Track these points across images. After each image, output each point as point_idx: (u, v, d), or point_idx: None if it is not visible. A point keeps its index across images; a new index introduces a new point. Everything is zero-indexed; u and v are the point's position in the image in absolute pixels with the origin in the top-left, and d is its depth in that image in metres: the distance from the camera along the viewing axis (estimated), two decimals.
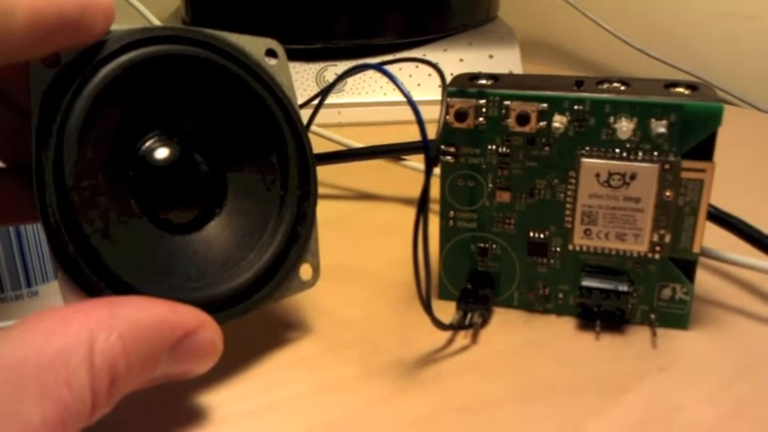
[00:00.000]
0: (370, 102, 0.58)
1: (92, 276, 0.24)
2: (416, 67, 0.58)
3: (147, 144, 0.27)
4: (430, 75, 0.58)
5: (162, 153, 0.27)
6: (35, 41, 0.21)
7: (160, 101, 0.27)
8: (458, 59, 0.60)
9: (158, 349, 0.22)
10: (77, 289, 0.24)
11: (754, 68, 0.65)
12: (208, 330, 0.24)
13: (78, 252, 0.24)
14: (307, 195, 0.30)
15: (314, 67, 0.60)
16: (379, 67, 0.28)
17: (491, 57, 0.61)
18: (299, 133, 0.29)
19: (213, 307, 0.26)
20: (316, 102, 0.34)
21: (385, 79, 0.58)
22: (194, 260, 0.27)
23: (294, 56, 0.30)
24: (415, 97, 0.27)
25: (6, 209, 0.27)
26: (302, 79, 0.59)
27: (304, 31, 0.60)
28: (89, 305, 0.22)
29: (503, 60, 0.61)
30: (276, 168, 0.29)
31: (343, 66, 0.60)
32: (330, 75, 0.59)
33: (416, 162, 0.46)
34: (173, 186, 0.27)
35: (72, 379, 0.20)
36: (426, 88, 0.57)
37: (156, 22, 0.53)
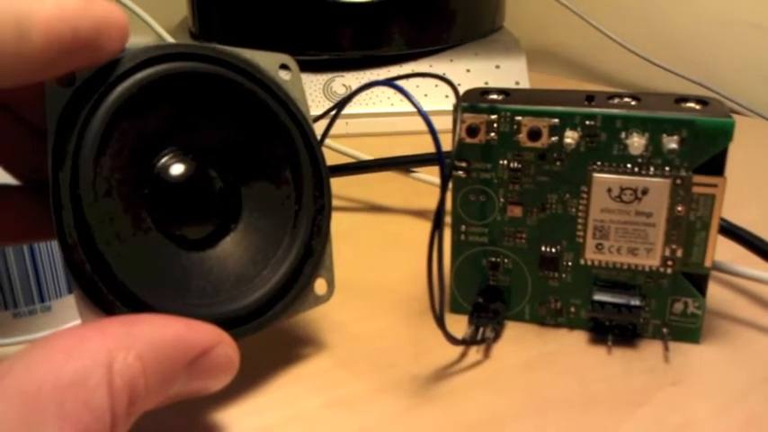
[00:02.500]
0: (377, 112, 0.59)
1: (108, 295, 0.24)
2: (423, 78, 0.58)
3: (163, 161, 0.27)
4: (437, 85, 0.58)
5: (177, 169, 0.27)
6: (51, 61, 0.21)
7: (175, 118, 0.27)
8: (464, 70, 0.61)
9: (176, 367, 0.22)
10: (94, 307, 0.24)
11: (761, 77, 0.66)
12: (224, 347, 0.24)
13: (95, 270, 0.24)
14: (321, 210, 0.30)
15: (321, 78, 0.60)
16: (392, 84, 0.28)
17: (497, 67, 0.61)
18: (313, 148, 0.29)
19: (229, 323, 0.26)
20: (328, 115, 0.34)
21: (392, 90, 0.58)
22: (209, 276, 0.27)
23: (301, 67, 0.30)
24: (423, 108, 0.27)
25: (21, 227, 0.27)
26: (310, 90, 0.59)
27: (311, 42, 0.60)
28: (106, 324, 0.22)
29: (509, 70, 0.61)
30: (290, 183, 0.29)
31: (350, 77, 0.60)
32: (338, 86, 0.59)
33: (425, 174, 0.46)
34: (188, 202, 0.28)
35: (91, 400, 0.20)
36: (433, 98, 0.57)
37: (164, 34, 0.53)
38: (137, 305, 0.25)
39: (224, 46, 0.27)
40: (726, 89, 0.65)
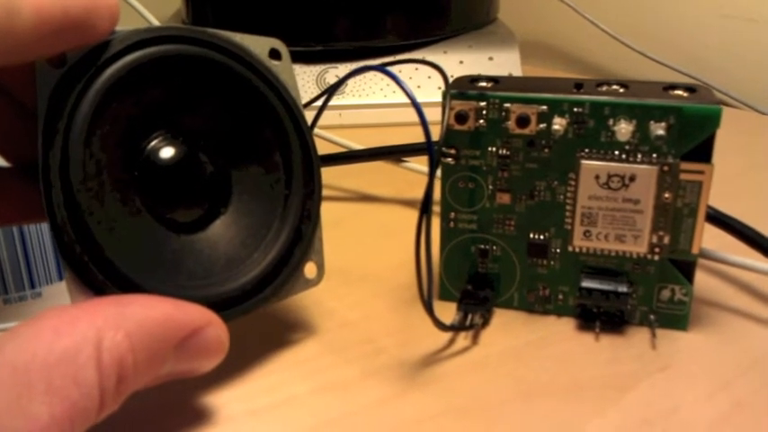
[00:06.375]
0: (370, 104, 0.59)
1: (98, 275, 0.24)
2: (416, 69, 0.58)
3: (153, 143, 0.27)
4: (430, 77, 0.58)
5: (167, 152, 0.27)
6: (41, 41, 0.22)
7: (165, 100, 0.27)
8: (458, 61, 0.61)
9: (165, 347, 0.23)
10: (84, 288, 0.24)
11: (753, 70, 0.66)
12: (214, 328, 0.24)
13: (85, 251, 0.24)
14: (311, 194, 0.30)
15: (314, 69, 0.60)
16: (383, 69, 0.28)
17: (491, 59, 0.61)
18: (304, 133, 0.30)
19: (219, 305, 0.26)
20: (319, 102, 0.34)
21: (386, 81, 0.59)
22: (200, 259, 0.28)
23: (295, 58, 0.30)
24: (414, 95, 0.27)
25: (13, 208, 0.28)
26: (303, 81, 0.59)
27: (305, 33, 0.60)
28: (96, 304, 0.22)
29: (502, 62, 0.61)
30: (280, 168, 0.29)
31: (343, 68, 0.60)
32: (331, 77, 0.59)
33: (416, 164, 0.46)
34: (178, 186, 0.28)
35: (80, 377, 0.20)
36: (426, 90, 0.58)
37: (157, 24, 0.53)
38: (127, 286, 0.25)
39: (214, 29, 0.27)
40: (719, 82, 0.66)
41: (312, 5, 0.60)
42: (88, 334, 0.20)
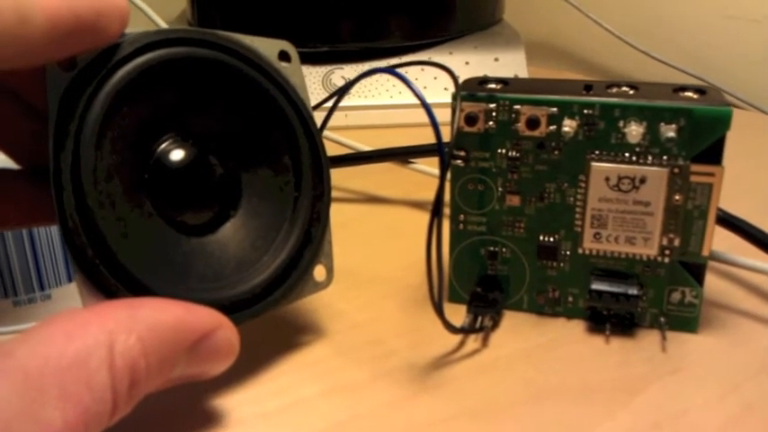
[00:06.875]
0: (376, 105, 0.58)
1: (110, 278, 0.24)
2: (422, 70, 0.58)
3: (163, 146, 0.27)
4: (436, 78, 0.58)
5: (177, 155, 0.27)
6: (52, 45, 0.22)
7: (175, 103, 0.27)
8: (463, 62, 0.61)
9: (177, 350, 0.23)
10: (95, 291, 0.24)
11: (759, 71, 0.66)
12: (225, 331, 0.24)
13: (96, 254, 0.24)
14: (320, 197, 0.30)
15: (321, 71, 0.60)
16: (393, 71, 0.28)
17: (496, 60, 0.61)
18: (313, 135, 0.29)
19: (229, 308, 0.26)
20: (327, 104, 0.34)
21: (392, 82, 0.58)
22: (210, 262, 0.28)
23: (301, 59, 0.30)
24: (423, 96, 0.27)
25: (22, 211, 0.27)
26: (309, 82, 0.59)
27: (311, 34, 0.60)
28: (107, 307, 0.22)
29: (508, 63, 0.61)
30: (290, 170, 0.29)
31: (349, 69, 0.60)
32: (337, 78, 0.59)
33: (424, 165, 0.46)
34: (188, 188, 0.28)
35: (92, 381, 0.20)
36: (432, 91, 0.57)
37: (163, 25, 0.53)
38: (138, 289, 0.25)
39: (224, 32, 0.27)
40: (724, 83, 0.65)
41: (318, 7, 0.59)
42: (100, 337, 0.20)
